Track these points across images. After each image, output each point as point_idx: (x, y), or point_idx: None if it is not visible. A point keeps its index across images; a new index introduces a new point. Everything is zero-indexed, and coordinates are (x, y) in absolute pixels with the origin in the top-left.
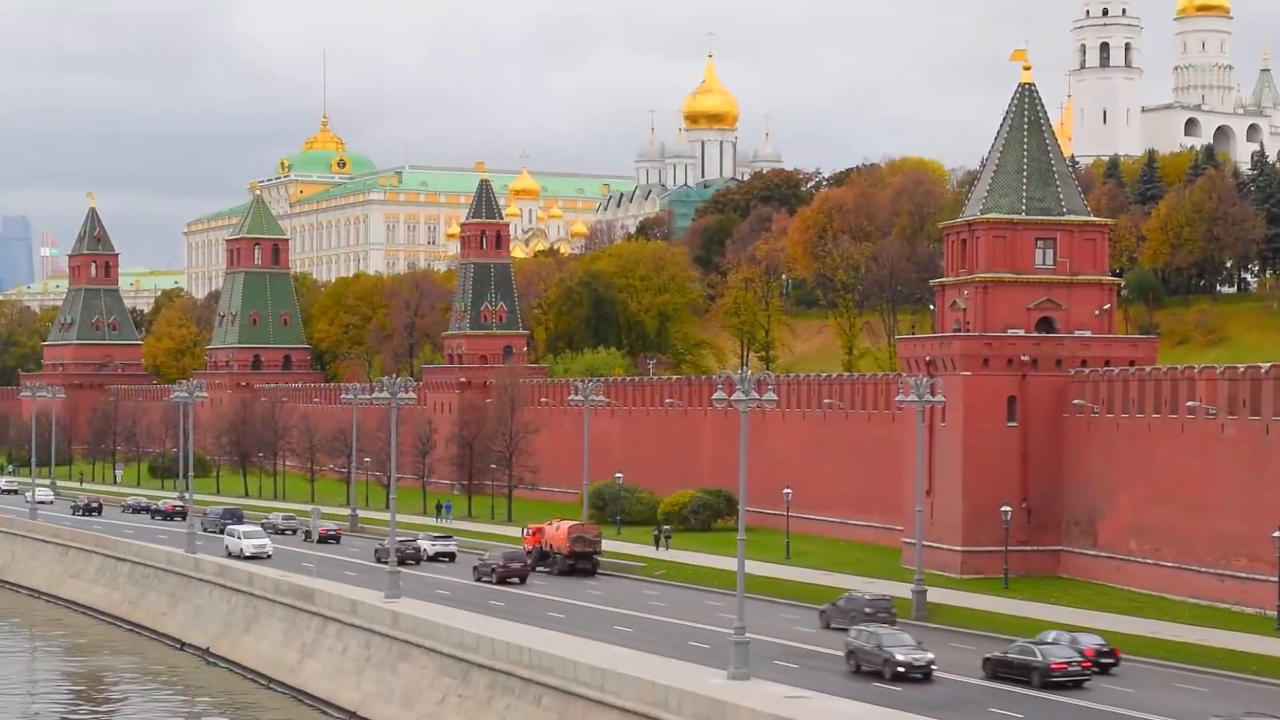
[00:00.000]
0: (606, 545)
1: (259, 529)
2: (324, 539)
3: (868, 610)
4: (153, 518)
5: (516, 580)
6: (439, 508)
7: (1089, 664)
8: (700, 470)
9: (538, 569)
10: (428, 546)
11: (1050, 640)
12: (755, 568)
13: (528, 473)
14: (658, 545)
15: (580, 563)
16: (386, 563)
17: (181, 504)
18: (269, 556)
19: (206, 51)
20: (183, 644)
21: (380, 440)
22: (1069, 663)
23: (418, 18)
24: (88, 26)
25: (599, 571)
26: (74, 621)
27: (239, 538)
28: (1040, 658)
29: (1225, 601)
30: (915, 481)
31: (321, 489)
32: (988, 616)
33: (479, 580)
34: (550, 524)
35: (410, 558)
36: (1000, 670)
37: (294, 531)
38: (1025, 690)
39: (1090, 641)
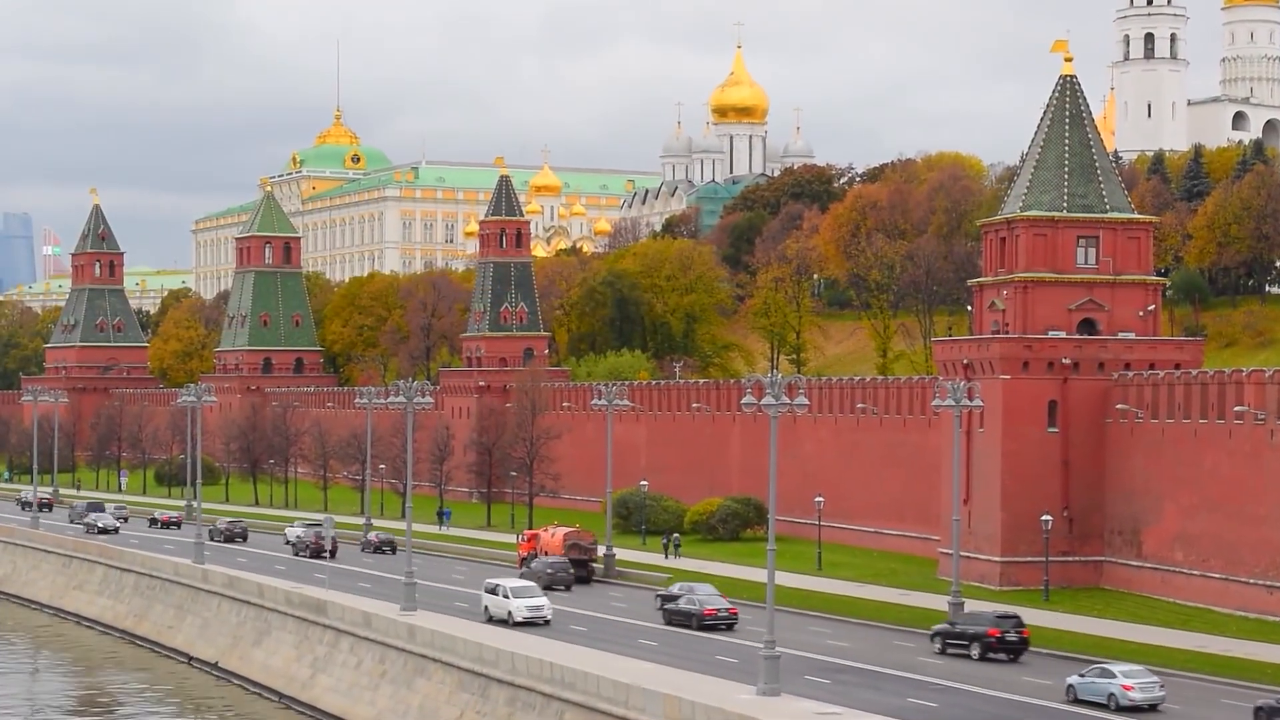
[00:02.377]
0: (629, 555)
1: (531, 584)
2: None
3: (549, 571)
4: (23, 509)
5: (328, 555)
6: (439, 515)
7: (735, 610)
8: (728, 478)
9: None
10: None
11: (676, 591)
12: (786, 579)
13: (549, 480)
14: (666, 553)
15: (575, 570)
16: (214, 540)
17: (48, 497)
18: (548, 622)
19: (210, 41)
20: (190, 658)
21: (396, 446)
22: (719, 610)
23: (423, 6)
24: (87, 16)
25: (619, 581)
26: (77, 635)
27: (506, 595)
28: (697, 606)
29: (1275, 614)
30: (952, 490)
31: (335, 497)
32: (1028, 630)
33: (296, 555)
34: (546, 530)
35: (238, 535)
36: (675, 619)
37: (125, 520)
38: (688, 631)
39: (716, 601)
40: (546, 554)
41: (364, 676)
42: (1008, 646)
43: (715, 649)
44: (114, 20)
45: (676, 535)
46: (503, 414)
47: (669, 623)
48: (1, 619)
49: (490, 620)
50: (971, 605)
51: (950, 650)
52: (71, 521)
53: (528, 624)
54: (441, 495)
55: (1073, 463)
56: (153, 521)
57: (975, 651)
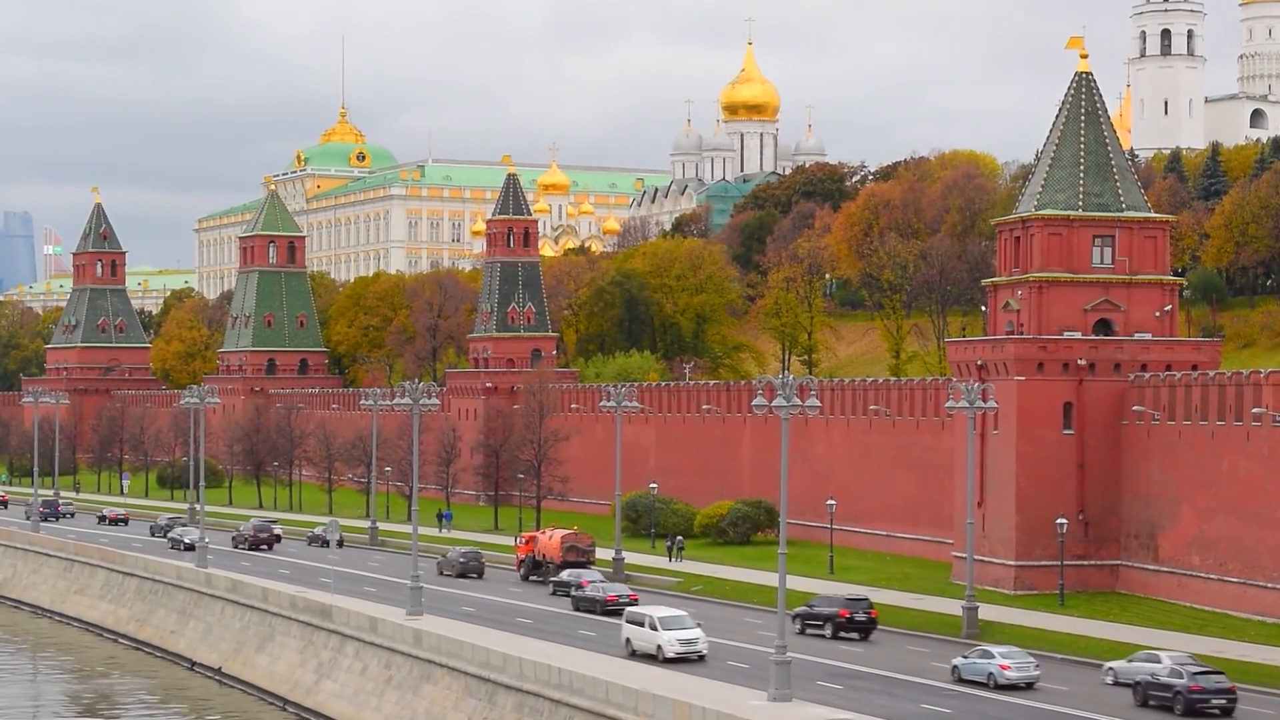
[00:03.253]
0: (639, 560)
1: (683, 614)
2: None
3: (461, 560)
4: None
5: (265, 547)
6: (439, 517)
7: (635, 596)
8: (739, 480)
9: (530, 579)
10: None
11: (567, 578)
12: (797, 583)
13: (557, 483)
14: (671, 556)
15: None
16: (153, 535)
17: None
18: (702, 658)
19: (212, 37)
20: (193, 663)
21: (401, 449)
22: (620, 595)
23: (425, 1)
24: (88, 12)
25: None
26: (79, 640)
27: (654, 627)
28: (601, 594)
29: None
30: (966, 492)
31: (340, 500)
32: (1042, 635)
33: (235, 547)
34: (544, 533)
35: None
36: (581, 605)
37: (72, 515)
38: (595, 616)
39: (616, 588)
40: (544, 556)
41: (370, 682)
42: (857, 626)
43: (730, 655)
44: (115, 16)
45: (680, 538)
46: (510, 416)
47: (576, 609)
48: (2, 624)
49: (633, 655)
50: (986, 611)
51: (809, 630)
52: (28, 518)
53: (680, 660)
54: (448, 498)
55: (1088, 465)
56: (101, 518)
57: (828, 631)
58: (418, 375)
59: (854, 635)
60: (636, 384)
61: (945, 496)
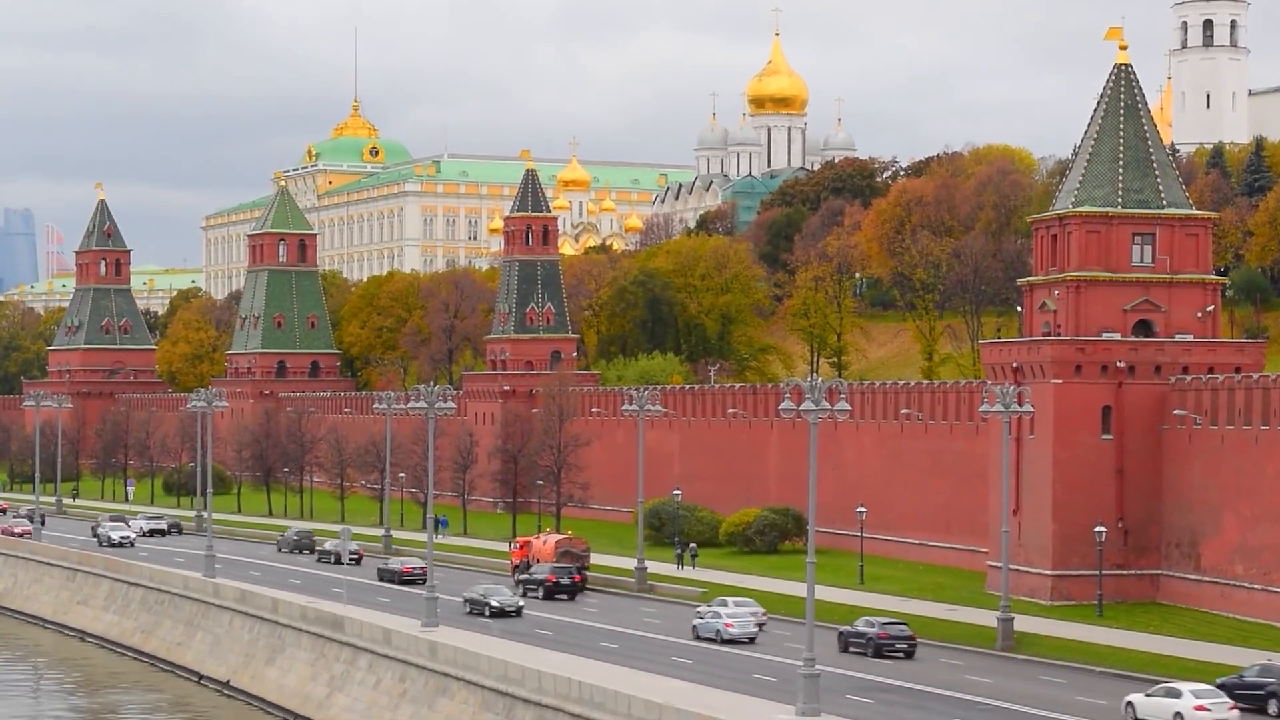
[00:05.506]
0: (662, 569)
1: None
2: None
3: (295, 539)
4: None
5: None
6: (436, 522)
7: (424, 569)
8: (766, 487)
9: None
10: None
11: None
12: (826, 593)
13: (577, 489)
14: (680, 564)
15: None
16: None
17: None
18: None
19: (218, 29)
20: (201, 676)
21: (416, 454)
22: (413, 568)
23: None
24: (83, 1)
25: (650, 596)
26: (82, 652)
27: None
28: (398, 566)
29: None
30: (1001, 499)
31: (352, 507)
32: (1080, 647)
33: (95, 538)
34: (538, 537)
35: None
36: (384, 576)
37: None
38: (394, 586)
39: (411, 561)
40: (539, 561)
41: (383, 696)
42: (563, 589)
43: (751, 666)
44: (114, 7)
45: (693, 545)
46: (529, 420)
47: (380, 579)
48: (2, 635)
49: None
50: (1022, 622)
51: (528, 594)
52: None
53: None
54: (464, 505)
55: (1128, 471)
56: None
57: (540, 593)
58: (433, 378)
59: (564, 596)
60: (660, 387)
61: (979, 504)
